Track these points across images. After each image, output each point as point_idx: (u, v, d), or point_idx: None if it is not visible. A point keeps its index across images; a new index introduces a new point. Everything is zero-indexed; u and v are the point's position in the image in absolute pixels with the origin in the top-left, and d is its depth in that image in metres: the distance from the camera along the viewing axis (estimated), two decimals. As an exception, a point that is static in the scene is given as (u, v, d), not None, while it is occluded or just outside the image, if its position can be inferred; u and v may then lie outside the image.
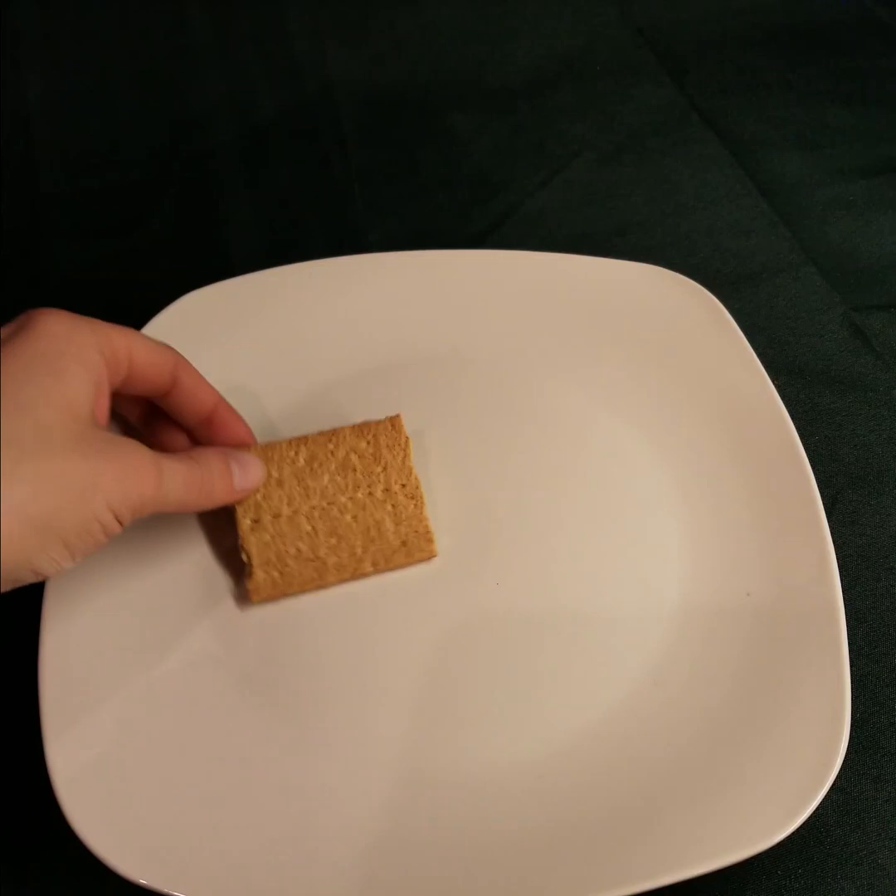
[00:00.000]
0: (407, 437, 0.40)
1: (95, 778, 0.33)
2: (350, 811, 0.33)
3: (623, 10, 0.70)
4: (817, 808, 0.32)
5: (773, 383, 0.44)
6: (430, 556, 0.38)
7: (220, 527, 0.39)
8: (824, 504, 0.39)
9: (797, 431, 0.42)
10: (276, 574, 0.37)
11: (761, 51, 0.66)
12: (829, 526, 0.38)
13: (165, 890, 0.31)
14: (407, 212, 0.57)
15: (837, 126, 0.61)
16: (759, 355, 0.45)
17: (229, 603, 0.38)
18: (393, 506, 0.38)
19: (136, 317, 0.47)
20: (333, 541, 0.38)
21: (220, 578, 0.38)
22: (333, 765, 0.34)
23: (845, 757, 0.33)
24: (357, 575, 0.37)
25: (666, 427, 0.41)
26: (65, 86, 0.65)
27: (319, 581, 0.37)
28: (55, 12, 0.70)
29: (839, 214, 0.56)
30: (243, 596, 0.37)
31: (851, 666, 0.35)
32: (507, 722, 0.35)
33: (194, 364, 0.45)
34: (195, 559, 0.39)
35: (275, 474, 0.39)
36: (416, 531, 0.38)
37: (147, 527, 0.40)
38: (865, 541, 0.41)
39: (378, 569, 0.37)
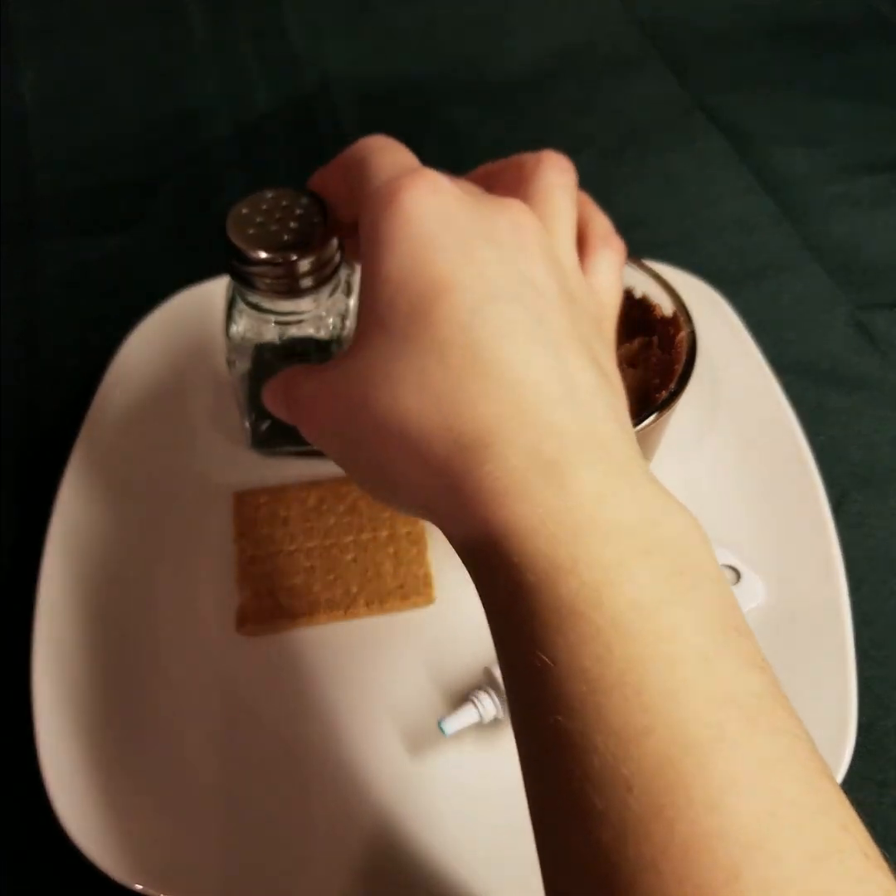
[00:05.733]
0: None
1: (89, 783, 0.33)
2: (347, 814, 0.33)
3: (626, 3, 0.69)
4: (823, 814, 0.31)
5: (778, 382, 0.43)
6: (428, 601, 0.37)
7: (225, 557, 0.39)
8: (830, 504, 0.39)
9: (802, 431, 0.41)
10: (267, 605, 0.37)
11: (766, 46, 0.66)
12: (835, 527, 0.38)
13: (160, 895, 0.31)
14: (407, 208, 0.57)
15: (843, 122, 0.60)
16: (764, 353, 0.44)
17: (226, 622, 0.38)
18: (395, 550, 0.38)
19: (133, 313, 0.47)
20: (330, 578, 0.38)
21: (220, 603, 0.38)
22: (330, 766, 0.34)
23: (850, 761, 0.33)
24: (350, 614, 0.37)
25: (669, 425, 0.40)
26: (62, 83, 0.65)
27: (310, 617, 0.37)
28: (52, 10, 0.70)
29: (844, 211, 0.55)
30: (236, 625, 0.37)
31: (857, 669, 0.35)
32: (505, 730, 0.34)
33: (190, 360, 0.45)
34: (198, 581, 0.39)
35: (282, 513, 0.39)
36: (416, 575, 0.38)
37: (151, 545, 0.40)
38: (872, 542, 0.41)
39: (372, 610, 0.37)
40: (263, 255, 0.32)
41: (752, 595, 0.37)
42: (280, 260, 0.32)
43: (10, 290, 0.53)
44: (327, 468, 0.42)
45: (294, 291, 0.34)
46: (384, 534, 0.39)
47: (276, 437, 0.41)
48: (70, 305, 0.52)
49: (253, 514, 0.39)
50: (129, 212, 0.57)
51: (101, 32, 0.69)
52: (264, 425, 0.41)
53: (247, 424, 0.40)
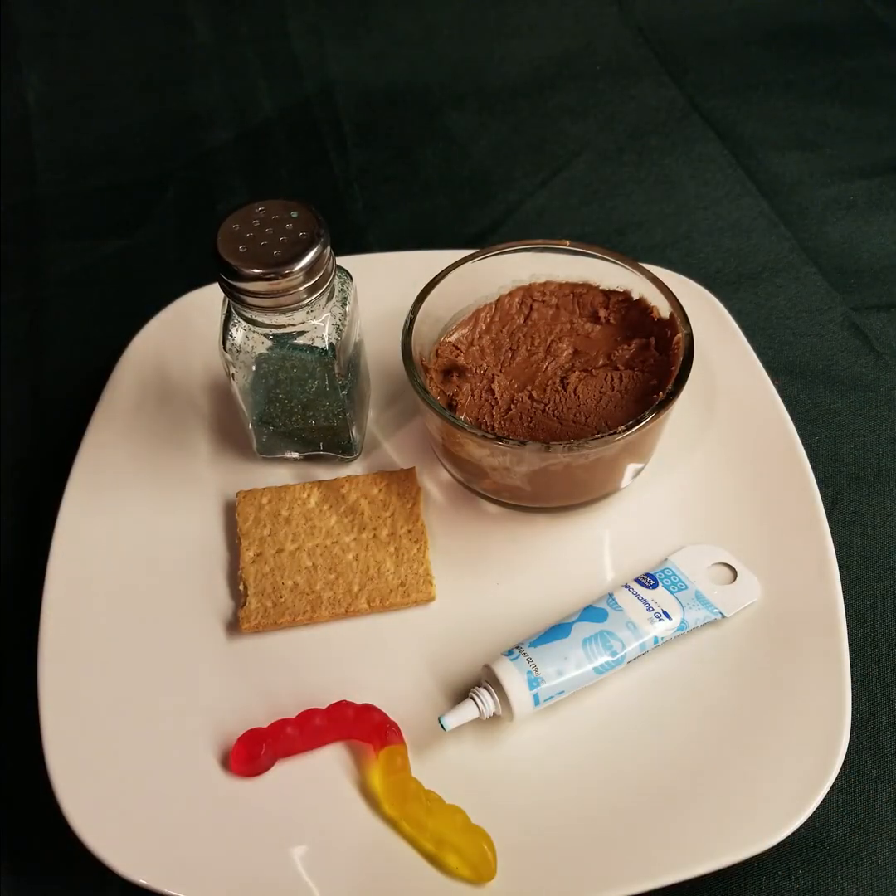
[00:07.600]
0: (419, 488, 0.41)
1: (95, 778, 0.33)
2: (348, 808, 0.33)
3: (623, 9, 0.70)
4: (817, 809, 0.32)
5: (773, 383, 0.44)
6: (429, 598, 0.38)
7: (226, 557, 0.40)
8: (824, 504, 0.39)
9: (797, 432, 0.42)
10: (269, 604, 0.37)
11: (762, 50, 0.66)
12: (830, 526, 0.39)
13: (164, 889, 0.31)
14: (407, 212, 0.57)
15: (837, 126, 0.61)
16: (759, 355, 0.45)
17: (229, 620, 0.38)
18: (396, 548, 0.39)
19: (136, 316, 0.48)
20: (332, 577, 0.38)
21: (221, 603, 0.38)
22: (331, 761, 0.34)
23: (845, 757, 0.33)
24: (351, 612, 0.37)
25: (666, 425, 0.41)
26: (66, 87, 0.65)
27: (312, 615, 0.37)
28: (55, 12, 0.70)
29: (839, 214, 0.56)
30: (237, 625, 0.37)
31: (852, 666, 0.35)
32: (505, 727, 0.35)
33: (193, 364, 0.46)
34: (199, 581, 0.39)
35: (284, 513, 0.40)
36: (417, 573, 0.38)
37: (153, 541, 0.40)
38: (866, 541, 0.41)
39: (373, 607, 0.37)
40: (255, 271, 0.33)
41: (748, 593, 0.37)
42: (272, 276, 0.33)
43: (13, 293, 0.53)
44: (328, 469, 0.42)
45: (288, 305, 0.34)
46: (385, 532, 0.39)
47: (277, 444, 0.42)
48: (74, 308, 0.53)
49: (255, 513, 0.40)
50: (133, 215, 0.57)
51: (104, 36, 0.69)
52: (265, 434, 0.41)
53: (250, 428, 0.41)
